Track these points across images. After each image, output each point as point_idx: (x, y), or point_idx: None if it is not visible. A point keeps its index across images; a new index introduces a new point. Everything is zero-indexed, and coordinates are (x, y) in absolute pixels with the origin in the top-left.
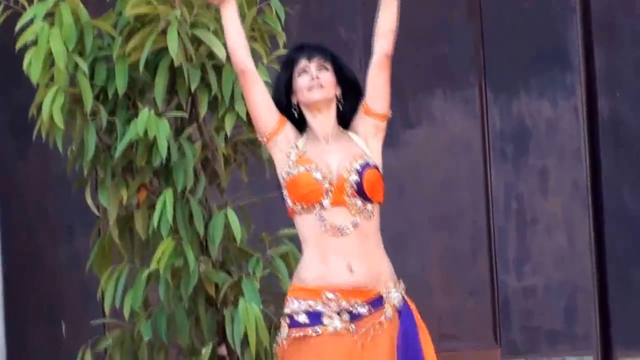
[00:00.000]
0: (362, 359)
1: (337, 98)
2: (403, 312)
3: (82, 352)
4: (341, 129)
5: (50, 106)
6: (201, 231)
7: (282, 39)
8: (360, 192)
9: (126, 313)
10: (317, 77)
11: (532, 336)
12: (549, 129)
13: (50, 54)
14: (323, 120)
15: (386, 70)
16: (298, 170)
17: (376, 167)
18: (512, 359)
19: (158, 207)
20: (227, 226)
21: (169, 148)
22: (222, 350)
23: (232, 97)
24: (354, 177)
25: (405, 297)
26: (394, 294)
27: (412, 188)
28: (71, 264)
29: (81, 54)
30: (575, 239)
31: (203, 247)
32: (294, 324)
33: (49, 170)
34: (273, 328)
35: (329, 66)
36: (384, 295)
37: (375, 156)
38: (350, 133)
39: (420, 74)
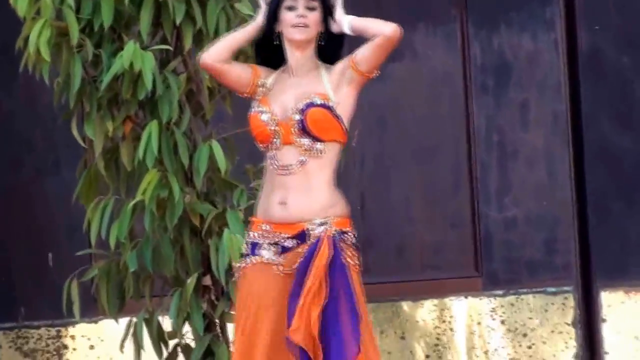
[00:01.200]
0: (285, 284)
1: (319, 35)
2: (314, 244)
3: (69, 282)
4: (319, 62)
5: (36, 39)
6: (186, 162)
7: None
8: (305, 130)
9: (112, 244)
10: (304, 16)
11: (513, 267)
12: (530, 63)
13: None
14: (299, 57)
15: (387, 50)
16: (252, 110)
17: (324, 106)
18: (493, 289)
19: (143, 138)
20: (212, 158)
21: (154, 81)
22: (207, 280)
23: (216, 31)
24: (297, 117)
25: (335, 231)
26: (317, 229)
27: (394, 121)
28: (57, 195)
29: None
30: (556, 172)
31: (188, 179)
32: (241, 255)
33: (35, 102)
34: None
35: (317, 4)
36: (307, 230)
37: (343, 99)
38: (323, 70)
39: (402, 8)
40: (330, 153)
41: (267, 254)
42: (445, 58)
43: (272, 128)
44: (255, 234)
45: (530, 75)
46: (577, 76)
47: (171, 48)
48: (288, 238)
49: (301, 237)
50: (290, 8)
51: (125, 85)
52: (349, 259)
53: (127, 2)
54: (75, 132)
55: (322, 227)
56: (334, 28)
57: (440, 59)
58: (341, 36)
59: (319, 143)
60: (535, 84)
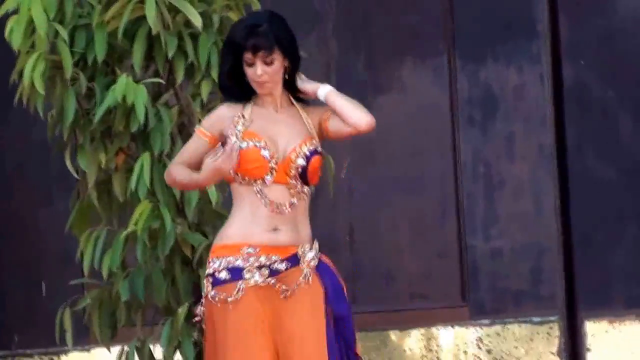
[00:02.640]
0: (284, 311)
1: (285, 70)
2: (320, 268)
3: (62, 311)
4: (291, 99)
5: (31, 72)
6: (177, 194)
7: (256, 7)
8: (303, 176)
9: (104, 273)
10: (262, 74)
11: (499, 297)
12: (516, 96)
13: (31, 21)
14: (272, 97)
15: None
16: (247, 144)
17: (321, 154)
18: (480, 319)
19: (136, 170)
20: (203, 189)
21: (146, 113)
22: (198, 310)
23: (208, 64)
24: (301, 162)
25: (320, 255)
26: (309, 253)
27: (382, 153)
28: (51, 226)
29: (61, 21)
30: (542, 203)
31: (179, 209)
32: (216, 282)
33: (29, 135)
34: None
35: (275, 56)
36: (299, 254)
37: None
38: (300, 110)
39: (391, 41)
40: (309, 193)
41: (258, 277)
42: (433, 91)
43: (272, 165)
44: (235, 258)
45: (516, 108)
46: (563, 109)
47: (163, 81)
48: (279, 261)
49: (293, 260)
50: (250, 65)
51: (118, 117)
52: (337, 273)
53: (120, 36)
54: (68, 164)
55: (312, 253)
56: (301, 85)
57: (427, 91)
58: (293, 80)
59: (306, 187)
60: (521, 116)
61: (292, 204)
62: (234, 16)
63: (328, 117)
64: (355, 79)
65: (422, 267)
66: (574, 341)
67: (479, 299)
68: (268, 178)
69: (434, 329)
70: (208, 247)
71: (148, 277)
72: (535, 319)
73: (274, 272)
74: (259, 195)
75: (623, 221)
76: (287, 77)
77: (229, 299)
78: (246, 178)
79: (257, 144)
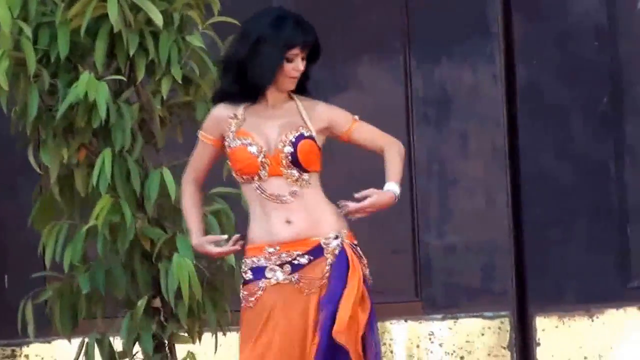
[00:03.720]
0: (307, 307)
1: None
2: (339, 255)
3: (24, 303)
4: (289, 94)
5: None
6: (138, 189)
7: (216, 6)
8: (295, 162)
9: (66, 266)
10: (299, 70)
11: (452, 292)
12: (470, 95)
13: None
14: (279, 94)
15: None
16: (236, 143)
17: (312, 138)
18: (433, 314)
19: (97, 165)
20: (163, 184)
21: (108, 110)
22: (157, 303)
23: (168, 62)
24: (289, 149)
25: (345, 243)
26: (333, 242)
27: (339, 151)
28: (13, 219)
29: (25, 19)
30: (494, 201)
31: (139, 204)
32: (244, 282)
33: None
34: (205, 282)
35: (305, 54)
36: (322, 244)
37: (319, 142)
38: (299, 102)
39: (349, 41)
40: (314, 181)
41: (280, 275)
42: (389, 89)
43: (261, 160)
44: (257, 259)
45: (470, 107)
46: (516, 109)
47: (125, 78)
48: (300, 255)
49: (316, 252)
50: (289, 60)
51: (80, 114)
52: (364, 271)
53: (83, 33)
54: (31, 159)
55: (337, 241)
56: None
57: (384, 90)
58: (308, 70)
59: (305, 174)
60: (475, 115)
61: (293, 193)
62: (194, 15)
63: (353, 131)
64: (314, 78)
65: (376, 263)
66: (524, 336)
67: (432, 294)
68: (263, 173)
69: (387, 323)
70: (167, 242)
71: (108, 271)
72: (487, 314)
73: (296, 267)
74: (259, 191)
75: (574, 219)
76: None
77: (251, 299)
78: (244, 177)
79: (244, 142)
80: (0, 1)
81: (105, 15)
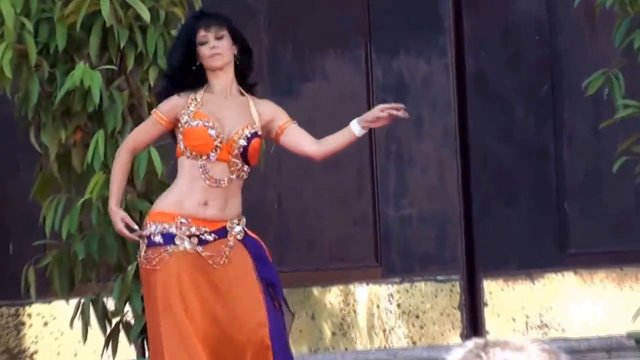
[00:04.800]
0: (217, 279)
1: (235, 57)
2: (246, 240)
3: (26, 268)
4: (241, 89)
5: (0, 59)
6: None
7: (198, 4)
8: (244, 155)
9: (64, 235)
10: (215, 47)
11: (408, 258)
12: (424, 84)
13: (0, 14)
14: (223, 77)
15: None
16: (197, 123)
17: (261, 137)
18: (391, 278)
19: (92, 145)
20: (150, 162)
21: (101, 96)
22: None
23: (155, 54)
24: (243, 142)
25: (247, 230)
26: (237, 227)
27: (308, 132)
28: (17, 193)
29: (27, 15)
30: (446, 177)
31: (129, 180)
32: (150, 244)
33: (2, 110)
34: None
35: (224, 33)
36: (227, 227)
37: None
38: (251, 101)
39: (315, 35)
40: (245, 176)
41: (187, 244)
42: (352, 79)
43: (217, 144)
44: (169, 225)
45: (424, 94)
46: (465, 95)
47: (116, 68)
48: (208, 232)
49: (221, 232)
50: (203, 43)
51: (76, 99)
52: (261, 243)
53: (78, 28)
54: (32, 140)
55: (240, 227)
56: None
57: (347, 79)
58: (250, 55)
59: (246, 166)
60: (428, 101)
61: (230, 180)
62: (178, 11)
63: (282, 131)
64: (284, 69)
65: (340, 232)
66: (472, 297)
67: (390, 260)
68: (212, 155)
69: (351, 286)
70: None
71: (102, 239)
72: (440, 278)
73: (202, 242)
74: (201, 170)
75: (517, 194)
76: (237, 62)
77: (155, 261)
78: (193, 153)
79: (206, 124)
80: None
81: (99, 12)
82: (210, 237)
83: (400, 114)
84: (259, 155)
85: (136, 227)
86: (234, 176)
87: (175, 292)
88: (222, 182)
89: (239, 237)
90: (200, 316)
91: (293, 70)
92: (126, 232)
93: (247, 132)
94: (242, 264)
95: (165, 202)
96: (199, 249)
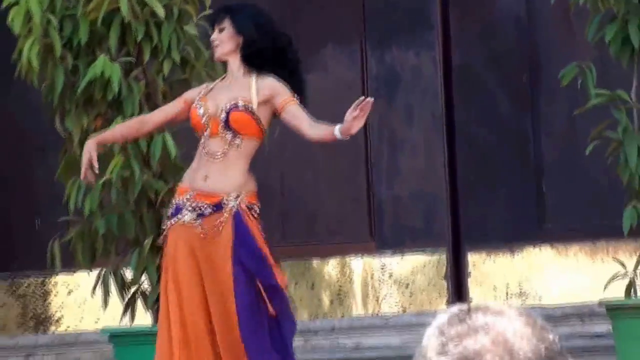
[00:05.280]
0: (204, 247)
1: (239, 45)
2: (236, 215)
3: (52, 242)
4: (252, 72)
5: (28, 52)
6: (144, 149)
7: (208, 1)
8: (228, 126)
9: (86, 212)
10: (214, 40)
11: (399, 233)
12: (414, 75)
13: (28, 12)
14: (230, 64)
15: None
16: (194, 105)
17: (245, 108)
18: (383, 251)
19: None
20: (165, 146)
21: (120, 86)
22: (160, 241)
23: (169, 47)
24: (223, 116)
25: (242, 205)
26: (231, 203)
27: None
28: (44, 175)
29: (52, 12)
30: (433, 160)
31: (145, 162)
32: (168, 217)
33: (27, 101)
34: None
35: (225, 25)
36: (223, 202)
37: (263, 110)
38: (254, 78)
39: (315, 30)
40: (247, 146)
41: (188, 216)
42: (348, 70)
43: (204, 121)
44: (180, 199)
45: (414, 85)
46: (451, 86)
47: (133, 60)
48: (206, 206)
49: (217, 206)
50: (210, 35)
51: (97, 89)
52: (249, 220)
53: (99, 24)
54: (57, 125)
55: (236, 201)
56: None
57: (344, 71)
58: (262, 48)
59: (238, 138)
60: (418, 92)
61: (224, 152)
62: (190, 9)
63: (282, 110)
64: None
65: (338, 209)
66: (457, 268)
67: (382, 235)
68: (207, 132)
69: (347, 259)
70: (168, 192)
71: (120, 216)
72: (428, 251)
73: (200, 215)
74: (202, 146)
75: (499, 175)
76: (242, 52)
77: (167, 232)
78: (197, 132)
79: (197, 105)
80: None
81: (118, 9)
82: (208, 211)
83: (366, 103)
84: (253, 126)
85: (96, 165)
86: (227, 147)
87: (170, 264)
88: (217, 154)
89: (232, 211)
90: (188, 289)
91: None
92: (86, 162)
93: (227, 106)
94: (226, 240)
95: (183, 178)
96: (198, 221)
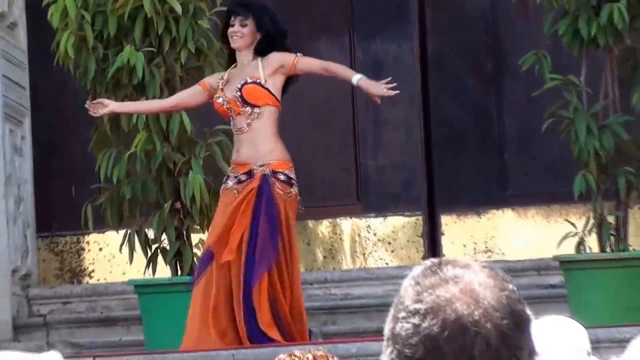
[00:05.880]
0: (239, 207)
1: (257, 40)
2: (263, 180)
3: (85, 206)
4: (256, 57)
5: (65, 43)
6: (164, 126)
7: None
8: (244, 101)
9: (114, 180)
10: (237, 31)
11: (382, 198)
12: (395, 63)
13: (65, 9)
14: (242, 55)
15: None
16: (214, 97)
17: (254, 82)
18: (369, 213)
19: None
20: (182, 123)
21: (143, 72)
22: (178, 205)
23: (185, 38)
24: (237, 93)
25: (269, 171)
26: (258, 169)
27: (304, 102)
28: (78, 149)
29: (86, 9)
30: (411, 134)
31: (165, 137)
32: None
33: (65, 85)
34: (211, 191)
35: (248, 22)
36: (254, 170)
37: (274, 80)
38: (260, 60)
39: (309, 24)
40: (266, 114)
41: (230, 183)
42: (338, 58)
43: (226, 106)
44: (229, 170)
45: (395, 71)
46: (427, 72)
47: (155, 50)
48: (242, 174)
49: (249, 174)
50: (231, 25)
51: (124, 74)
52: (278, 191)
53: (126, 18)
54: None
55: (262, 168)
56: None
57: (334, 59)
58: (274, 39)
59: (256, 109)
60: (398, 77)
61: (248, 124)
62: (203, 5)
63: (295, 67)
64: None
65: (330, 177)
66: (432, 228)
67: (368, 199)
68: (232, 114)
69: (337, 220)
70: (185, 163)
71: (144, 183)
72: (407, 213)
73: (238, 182)
74: (232, 127)
75: (467, 147)
76: (257, 45)
77: (220, 192)
78: (225, 119)
79: (218, 96)
80: None
81: (141, 6)
82: (243, 178)
83: (388, 90)
84: (264, 95)
85: (97, 106)
86: (250, 120)
87: (221, 213)
88: (243, 128)
89: (260, 178)
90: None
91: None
92: (98, 101)
93: (238, 85)
94: (250, 198)
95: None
96: (237, 187)
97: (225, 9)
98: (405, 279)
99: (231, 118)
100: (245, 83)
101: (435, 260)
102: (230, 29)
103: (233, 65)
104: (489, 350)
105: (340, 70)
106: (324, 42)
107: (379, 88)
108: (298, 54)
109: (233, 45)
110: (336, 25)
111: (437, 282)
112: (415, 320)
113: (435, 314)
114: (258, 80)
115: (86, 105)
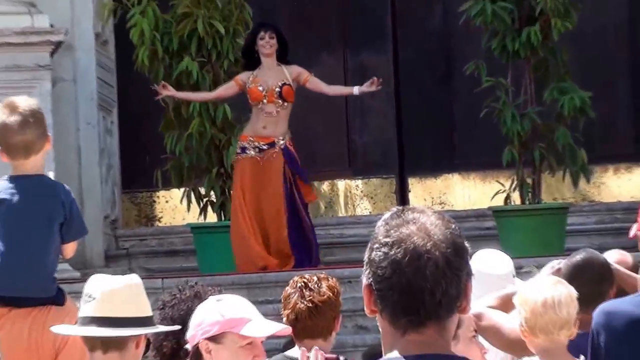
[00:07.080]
0: (262, 172)
1: (277, 51)
2: (286, 151)
3: (157, 171)
4: (279, 64)
5: (142, 55)
6: (212, 113)
7: (250, 24)
8: (281, 96)
9: (177, 152)
10: (268, 42)
11: (367, 165)
12: (375, 68)
13: (142, 30)
14: (270, 60)
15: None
16: (253, 85)
17: (289, 85)
18: (357, 176)
19: (192, 103)
20: (225, 111)
21: (197, 76)
22: (222, 171)
23: (227, 52)
24: (278, 89)
25: (288, 143)
26: (280, 141)
27: (310, 94)
28: (151, 129)
29: (157, 30)
30: (388, 118)
31: (213, 121)
32: (237, 153)
33: (142, 85)
34: None
35: (274, 36)
36: (275, 141)
37: (293, 87)
38: (284, 68)
39: (312, 40)
40: (288, 107)
41: (251, 152)
42: (335, 67)
43: (264, 94)
44: (244, 143)
45: (376, 74)
46: (399, 75)
47: (205, 60)
48: (264, 144)
49: (271, 144)
50: (261, 38)
51: (184, 77)
52: (293, 151)
53: (185, 37)
54: (159, 99)
55: (283, 141)
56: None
57: (332, 67)
58: (285, 49)
59: (285, 102)
60: (378, 77)
61: (277, 112)
62: (240, 28)
63: (306, 81)
64: (293, 63)
65: (327, 150)
66: (402, 187)
67: (357, 166)
68: (264, 100)
69: (334, 181)
70: (227, 140)
71: (198, 154)
72: (384, 176)
73: (260, 151)
74: (260, 109)
75: (427, 128)
76: (277, 53)
77: (236, 163)
78: (253, 102)
79: (257, 85)
80: (144, 22)
81: (196, 29)
82: (265, 147)
83: (376, 86)
84: (292, 95)
85: (166, 87)
86: (279, 108)
87: (238, 183)
88: (273, 113)
89: (282, 146)
90: (250, 196)
91: (299, 62)
92: (167, 86)
93: (280, 83)
94: (278, 164)
95: (245, 130)
96: (259, 155)
97: None
98: (379, 221)
99: (262, 102)
100: (284, 84)
101: (399, 207)
102: (262, 41)
103: (258, 67)
104: (437, 270)
105: (340, 89)
106: (324, 54)
107: (370, 88)
108: (311, 72)
109: (265, 52)
110: (332, 41)
111: (400, 222)
112: (385, 249)
113: (399, 245)
114: (290, 83)
115: (155, 87)
